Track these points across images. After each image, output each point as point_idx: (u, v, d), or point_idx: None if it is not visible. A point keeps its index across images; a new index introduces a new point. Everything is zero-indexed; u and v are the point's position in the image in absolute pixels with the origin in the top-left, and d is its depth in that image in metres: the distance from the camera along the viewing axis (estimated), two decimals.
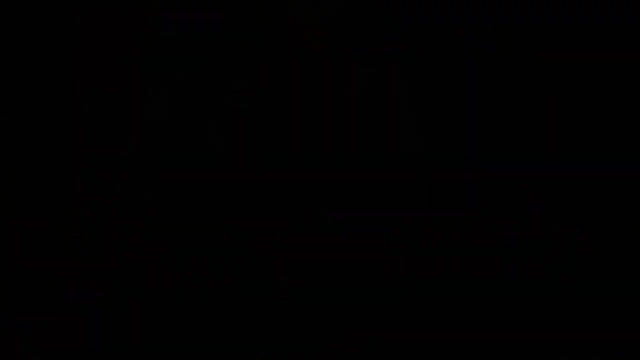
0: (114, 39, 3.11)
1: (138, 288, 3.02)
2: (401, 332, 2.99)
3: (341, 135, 3.08)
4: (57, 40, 3.11)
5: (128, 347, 2.99)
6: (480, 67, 3.09)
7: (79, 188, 3.06)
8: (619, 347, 2.96)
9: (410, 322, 3.00)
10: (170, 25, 3.11)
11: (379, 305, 3.00)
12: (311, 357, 2.98)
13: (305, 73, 3.10)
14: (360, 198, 3.06)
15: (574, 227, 3.03)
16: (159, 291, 3.02)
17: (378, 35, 3.10)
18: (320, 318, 3.00)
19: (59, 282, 3.02)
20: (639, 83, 3.08)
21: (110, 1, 3.12)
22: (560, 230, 3.03)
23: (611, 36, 3.08)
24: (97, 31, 3.11)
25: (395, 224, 3.04)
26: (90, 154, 3.08)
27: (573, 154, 3.06)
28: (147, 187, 3.06)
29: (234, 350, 2.99)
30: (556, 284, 3.01)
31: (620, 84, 3.08)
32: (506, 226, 3.04)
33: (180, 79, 3.10)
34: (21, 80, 3.11)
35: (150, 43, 3.11)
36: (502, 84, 3.09)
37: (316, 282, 3.02)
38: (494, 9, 3.09)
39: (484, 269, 3.02)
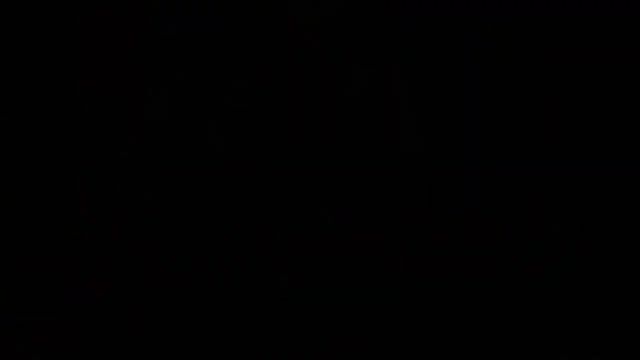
0: (114, 39, 3.11)
1: (138, 288, 3.02)
2: (401, 332, 2.99)
3: (341, 135, 3.08)
4: (57, 40, 3.11)
5: (128, 347, 2.99)
6: (480, 67, 3.09)
7: (79, 188, 3.06)
8: (619, 347, 2.96)
9: (410, 322, 3.00)
10: (170, 25, 3.11)
11: (379, 305, 3.00)
12: (311, 357, 2.98)
13: (305, 73, 3.10)
14: (360, 198, 3.06)
15: (574, 227, 3.03)
16: (159, 291, 3.02)
17: (378, 35, 3.11)
18: (320, 318, 3.00)
19: (59, 282, 3.02)
20: (639, 83, 3.08)
21: (110, 1, 3.12)
22: (560, 230, 3.03)
23: (611, 36, 3.08)
24: (97, 31, 3.11)
25: (395, 224, 3.04)
26: (90, 154, 3.08)
27: (573, 154, 3.06)
28: (147, 187, 3.06)
29: (234, 350, 2.99)
30: (556, 284, 3.01)
31: (620, 84, 3.08)
32: (506, 226, 3.04)
33: (180, 79, 3.10)
34: (21, 80, 3.11)
35: (150, 43, 3.11)
36: (502, 84, 3.09)
37: (316, 282, 3.02)
38: (494, 9, 3.09)
39: (484, 269, 3.02)
